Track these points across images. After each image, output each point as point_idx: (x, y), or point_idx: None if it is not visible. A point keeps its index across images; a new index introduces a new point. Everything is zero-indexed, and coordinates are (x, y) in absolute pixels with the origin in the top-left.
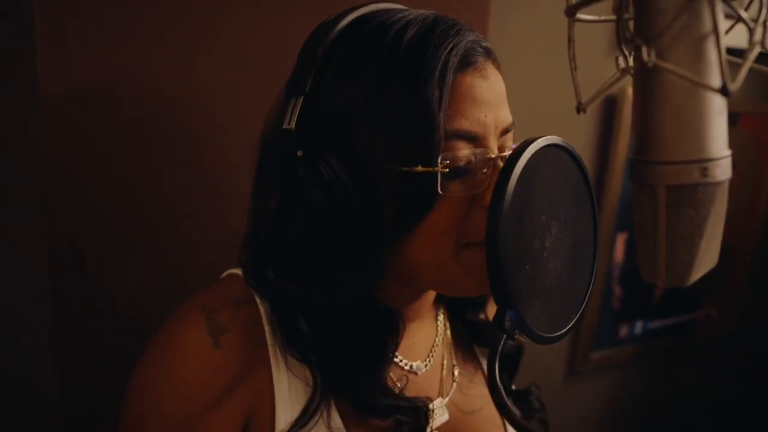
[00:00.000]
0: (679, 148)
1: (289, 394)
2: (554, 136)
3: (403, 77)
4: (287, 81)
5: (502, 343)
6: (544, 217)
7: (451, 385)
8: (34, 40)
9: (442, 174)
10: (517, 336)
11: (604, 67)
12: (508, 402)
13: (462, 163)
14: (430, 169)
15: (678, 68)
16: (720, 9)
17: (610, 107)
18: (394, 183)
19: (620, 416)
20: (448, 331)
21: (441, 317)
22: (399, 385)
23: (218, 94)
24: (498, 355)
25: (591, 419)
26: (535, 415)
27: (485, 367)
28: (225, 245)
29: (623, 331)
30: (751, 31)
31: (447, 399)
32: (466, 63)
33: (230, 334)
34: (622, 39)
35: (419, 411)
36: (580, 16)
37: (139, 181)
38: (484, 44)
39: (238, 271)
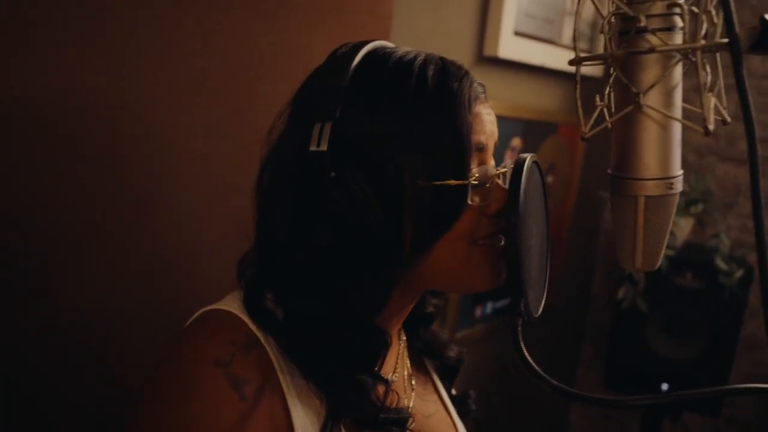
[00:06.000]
0: (655, 168)
1: (307, 424)
2: (533, 154)
3: (437, 107)
4: (299, 106)
5: (520, 325)
6: (530, 221)
7: (411, 393)
8: None
9: (471, 186)
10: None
11: None
12: (533, 364)
13: (480, 178)
14: (463, 182)
15: (666, 112)
16: (702, 70)
17: None
18: (425, 197)
19: (482, 383)
20: (406, 344)
21: (402, 332)
22: (385, 398)
23: (149, 102)
24: (520, 336)
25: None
26: (470, 415)
27: (434, 376)
28: (157, 258)
29: (478, 311)
30: (704, 85)
31: (411, 406)
32: (476, 96)
33: (251, 384)
34: (607, 83)
35: (405, 420)
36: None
37: (69, 191)
38: (480, 82)
39: (222, 308)
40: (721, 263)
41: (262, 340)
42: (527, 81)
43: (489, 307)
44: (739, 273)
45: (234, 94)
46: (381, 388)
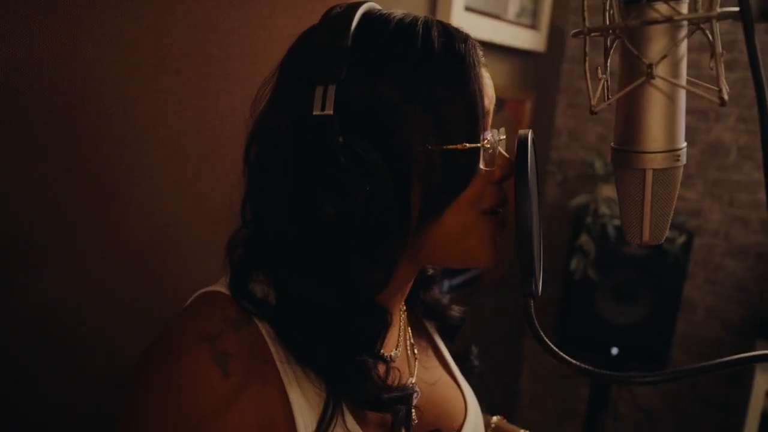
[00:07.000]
0: (662, 140)
1: (305, 406)
2: (531, 130)
3: (445, 69)
4: (294, 69)
5: (532, 304)
6: (531, 197)
7: (415, 363)
8: None
9: (483, 149)
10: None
11: None
12: (550, 343)
13: (490, 142)
14: (476, 145)
15: (679, 82)
16: (718, 40)
17: None
18: (436, 162)
19: None
20: (406, 313)
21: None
22: (388, 377)
23: (112, 81)
24: (534, 318)
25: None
26: (474, 371)
27: (436, 338)
28: (121, 247)
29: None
30: (714, 56)
31: (415, 376)
32: (479, 59)
33: (237, 360)
34: (608, 55)
35: (410, 396)
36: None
37: (31, 181)
38: (479, 44)
39: (215, 289)
40: None
41: (256, 320)
42: None
43: (446, 284)
44: (682, 239)
45: (195, 71)
46: (382, 367)
